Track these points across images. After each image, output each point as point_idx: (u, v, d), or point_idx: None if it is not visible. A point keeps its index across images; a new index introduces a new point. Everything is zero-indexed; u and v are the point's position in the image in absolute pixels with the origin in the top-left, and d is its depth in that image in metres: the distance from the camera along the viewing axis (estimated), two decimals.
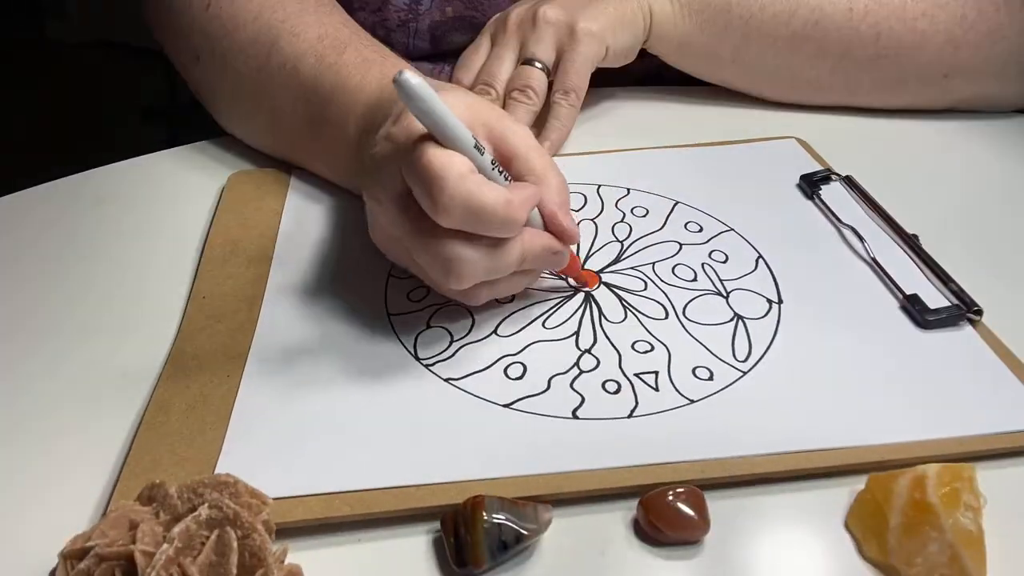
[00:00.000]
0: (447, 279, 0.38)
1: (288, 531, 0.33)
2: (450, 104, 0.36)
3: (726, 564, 0.33)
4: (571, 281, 0.46)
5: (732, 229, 0.50)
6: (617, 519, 0.34)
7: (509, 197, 0.37)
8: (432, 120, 0.36)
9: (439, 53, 0.65)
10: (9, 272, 0.48)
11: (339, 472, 0.35)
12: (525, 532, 0.32)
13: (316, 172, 0.54)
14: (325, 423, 0.37)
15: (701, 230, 0.50)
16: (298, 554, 0.32)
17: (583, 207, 0.52)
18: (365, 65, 0.49)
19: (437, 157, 0.36)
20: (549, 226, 0.41)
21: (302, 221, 0.50)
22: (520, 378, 0.40)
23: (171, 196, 0.54)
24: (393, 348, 0.41)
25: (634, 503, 0.34)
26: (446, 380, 0.40)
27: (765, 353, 0.41)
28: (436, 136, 0.36)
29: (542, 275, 0.45)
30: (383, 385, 0.39)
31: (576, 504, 0.34)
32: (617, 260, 0.48)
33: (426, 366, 0.40)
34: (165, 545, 0.28)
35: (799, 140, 0.58)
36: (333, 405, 0.38)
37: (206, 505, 0.29)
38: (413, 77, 0.34)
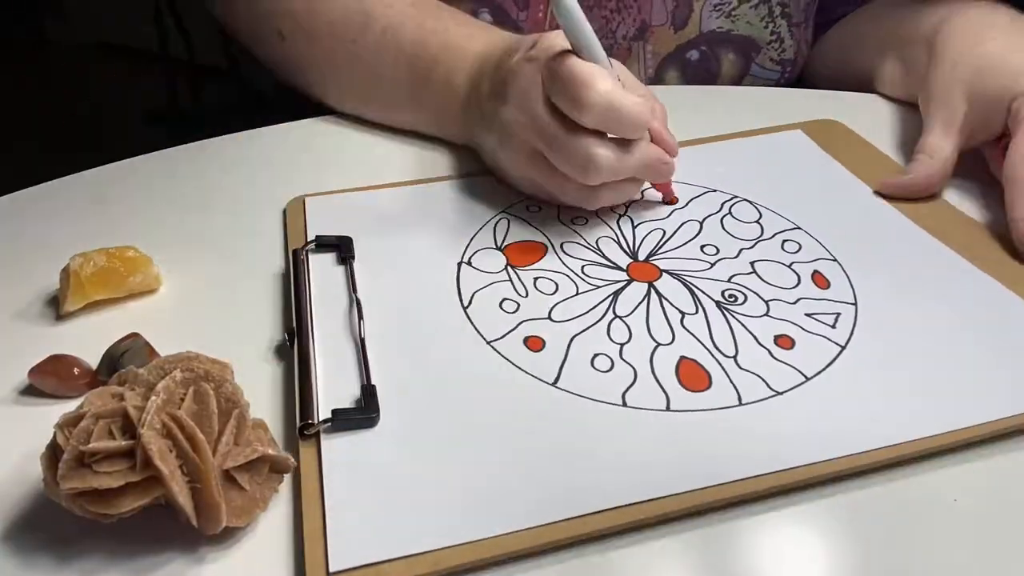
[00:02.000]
0: (585, 173, 0.44)
1: None
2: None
3: None
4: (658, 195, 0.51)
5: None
6: None
7: (642, 101, 0.44)
8: (579, 35, 0.43)
9: None
10: (9, 272, 0.46)
11: (452, 524, 0.32)
12: None
13: (417, 128, 0.58)
14: (429, 479, 0.34)
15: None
16: None
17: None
18: (467, 26, 0.55)
19: (581, 64, 0.43)
20: (656, 140, 0.47)
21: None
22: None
23: (171, 196, 0.53)
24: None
25: None
26: (554, 383, 0.39)
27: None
28: (579, 50, 0.44)
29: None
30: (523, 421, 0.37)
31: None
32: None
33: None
34: (153, 397, 0.32)
35: (804, 131, 0.58)
36: (428, 460, 0.35)
37: (178, 370, 0.33)
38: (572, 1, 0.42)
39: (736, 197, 0.51)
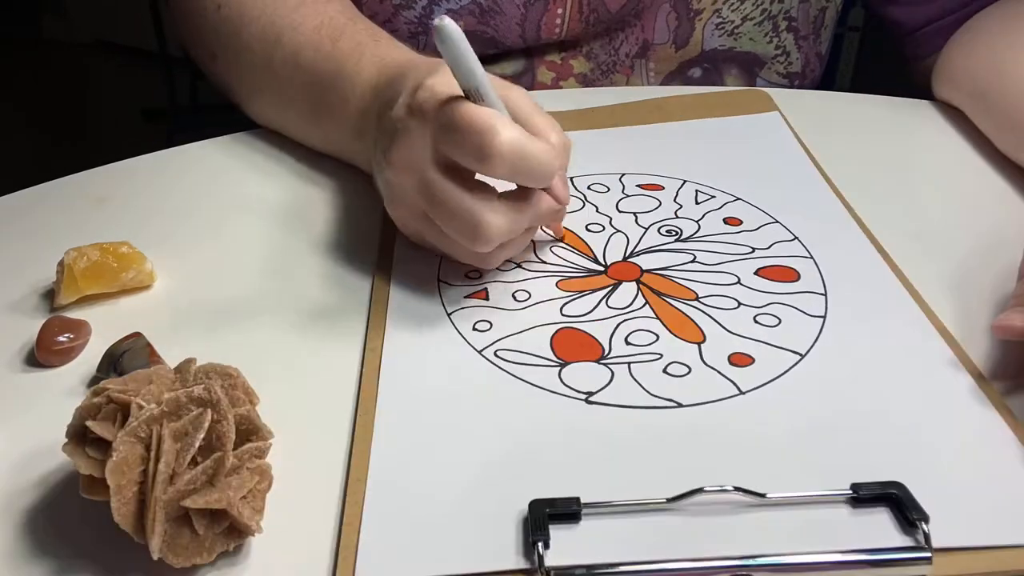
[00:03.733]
0: (475, 239, 0.41)
1: None
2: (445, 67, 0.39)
3: None
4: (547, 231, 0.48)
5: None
6: None
7: (549, 147, 0.40)
8: (464, 68, 0.38)
9: None
10: (7, 266, 0.47)
11: (477, 552, 0.32)
12: None
13: (325, 152, 0.56)
14: (455, 507, 0.34)
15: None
16: None
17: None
18: (359, 50, 0.51)
19: (479, 110, 0.38)
20: (549, 190, 0.43)
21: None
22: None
23: (171, 196, 0.54)
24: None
25: None
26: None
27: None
28: (467, 88, 0.39)
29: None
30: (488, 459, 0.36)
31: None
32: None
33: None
34: (154, 405, 0.32)
35: (782, 115, 0.59)
36: (458, 489, 0.34)
37: (202, 386, 0.32)
38: (450, 23, 0.36)
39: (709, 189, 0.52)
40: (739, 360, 0.40)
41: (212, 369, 0.35)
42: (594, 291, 0.44)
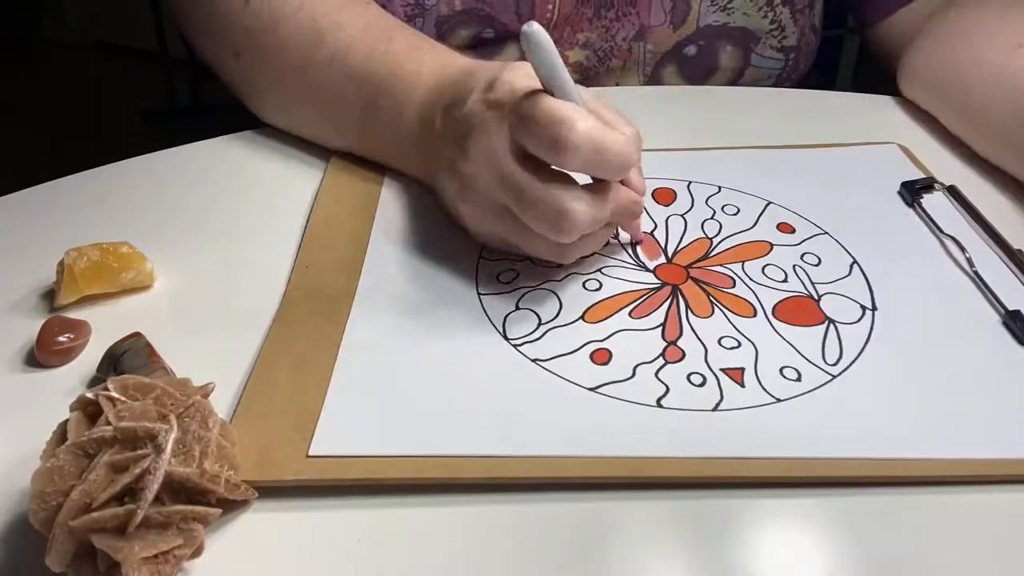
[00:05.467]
0: (559, 230, 0.40)
1: (363, 488, 0.34)
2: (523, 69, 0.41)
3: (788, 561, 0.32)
4: (638, 252, 0.48)
5: (826, 232, 0.49)
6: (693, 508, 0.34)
7: (626, 138, 0.40)
8: (549, 67, 0.39)
9: None
10: (7, 266, 0.47)
11: (431, 438, 0.36)
12: None
13: (367, 156, 0.54)
14: (417, 393, 0.38)
15: (794, 231, 0.49)
16: (362, 511, 0.34)
17: (673, 202, 0.52)
18: (417, 52, 0.51)
19: (557, 103, 0.39)
20: (625, 181, 0.44)
21: (399, 205, 0.51)
22: (606, 364, 0.40)
23: (172, 197, 0.54)
24: (483, 327, 0.42)
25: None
26: (534, 360, 0.40)
27: (857, 358, 0.40)
28: (550, 86, 0.39)
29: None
30: (473, 361, 0.40)
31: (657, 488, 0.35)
32: (706, 256, 0.47)
33: (514, 346, 0.41)
34: (109, 427, 0.31)
35: (901, 146, 0.57)
36: (425, 376, 0.39)
37: (167, 427, 0.31)
38: (539, 28, 0.37)
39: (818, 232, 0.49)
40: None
41: (199, 411, 0.33)
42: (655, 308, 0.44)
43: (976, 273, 0.45)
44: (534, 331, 0.42)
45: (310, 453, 0.35)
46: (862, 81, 1.23)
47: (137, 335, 0.41)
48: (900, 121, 0.62)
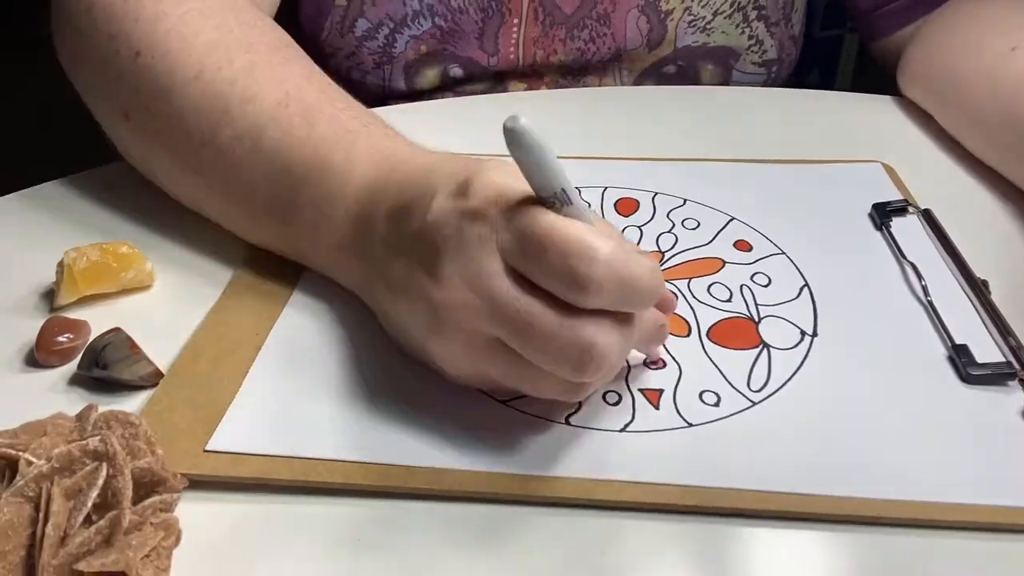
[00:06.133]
0: (581, 370, 0.32)
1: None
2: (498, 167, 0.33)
3: None
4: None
5: (784, 252, 0.47)
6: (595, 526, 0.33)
7: (653, 264, 0.32)
8: (545, 171, 0.30)
9: (413, 93, 0.65)
10: (7, 267, 0.47)
11: (323, 441, 0.36)
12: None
13: (272, 249, 0.46)
14: (324, 395, 0.38)
15: (751, 250, 0.48)
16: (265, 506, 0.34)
17: (634, 213, 0.51)
18: (349, 137, 0.42)
19: (571, 226, 0.31)
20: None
21: None
22: None
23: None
24: None
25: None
26: None
27: (783, 386, 0.39)
28: (544, 193, 0.31)
29: None
30: (388, 369, 0.39)
31: (549, 507, 0.34)
32: None
33: None
34: (43, 461, 0.30)
35: (885, 165, 0.55)
36: (336, 380, 0.39)
37: (97, 437, 0.31)
38: (527, 123, 0.29)
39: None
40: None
41: (112, 417, 0.33)
42: None
43: (930, 302, 0.43)
44: None
45: (207, 448, 0.35)
46: (862, 81, 1.23)
47: (117, 330, 0.41)
48: (900, 122, 0.62)
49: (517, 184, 0.32)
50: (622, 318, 0.33)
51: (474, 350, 0.34)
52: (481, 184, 0.33)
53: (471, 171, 0.34)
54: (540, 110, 0.61)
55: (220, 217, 0.47)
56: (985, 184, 0.54)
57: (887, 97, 0.64)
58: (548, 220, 0.31)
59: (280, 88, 0.44)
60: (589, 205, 0.37)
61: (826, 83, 0.82)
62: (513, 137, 0.29)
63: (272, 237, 0.45)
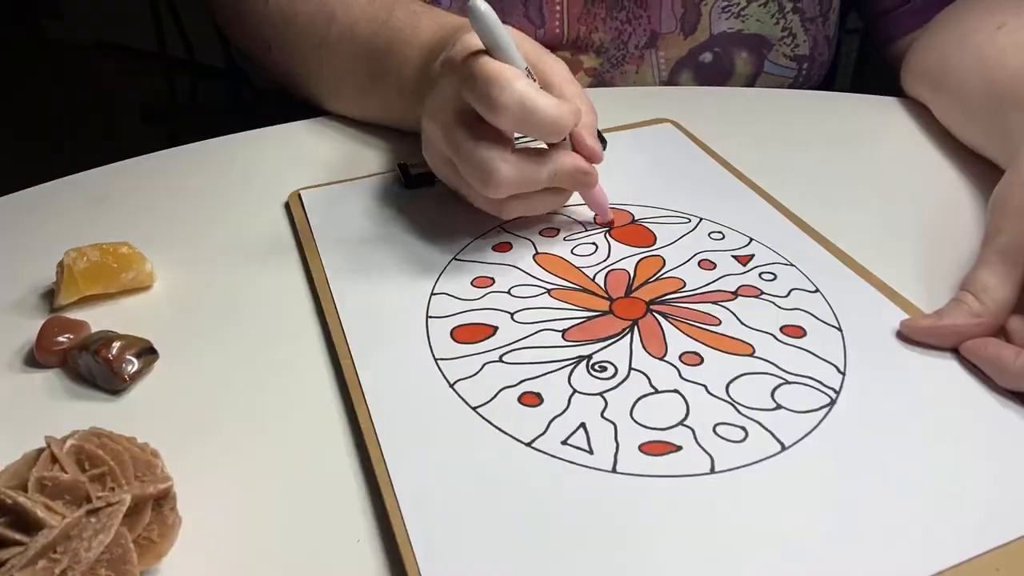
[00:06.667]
0: (485, 185, 0.43)
1: None
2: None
3: None
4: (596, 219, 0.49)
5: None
6: None
7: (559, 103, 0.42)
8: (492, 39, 0.41)
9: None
10: (7, 267, 0.47)
11: None
12: None
13: (382, 121, 0.59)
14: None
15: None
16: None
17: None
18: (415, 17, 0.54)
19: (494, 63, 0.41)
20: (576, 147, 0.45)
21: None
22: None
23: (171, 196, 0.54)
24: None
25: None
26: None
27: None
28: (493, 51, 0.42)
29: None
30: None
31: None
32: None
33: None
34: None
35: (673, 122, 0.59)
36: None
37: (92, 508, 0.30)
38: (483, 3, 0.41)
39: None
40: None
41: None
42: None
43: None
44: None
45: None
46: (862, 82, 1.23)
47: (104, 331, 0.41)
48: (900, 122, 0.62)
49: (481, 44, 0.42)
50: (531, 152, 0.44)
51: (439, 162, 0.47)
52: (459, 42, 0.44)
53: (461, 34, 0.45)
54: None
55: (343, 104, 0.60)
56: (984, 184, 0.54)
57: (887, 97, 0.64)
58: (482, 60, 0.41)
59: None
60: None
61: (826, 83, 0.82)
62: (472, 11, 0.41)
63: (375, 106, 0.58)
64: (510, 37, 0.42)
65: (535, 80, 0.44)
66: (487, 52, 0.42)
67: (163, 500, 0.32)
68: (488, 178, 0.42)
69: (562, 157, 0.44)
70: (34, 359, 0.41)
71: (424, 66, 0.51)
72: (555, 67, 0.46)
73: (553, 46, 0.66)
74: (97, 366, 0.39)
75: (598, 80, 0.68)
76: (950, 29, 0.61)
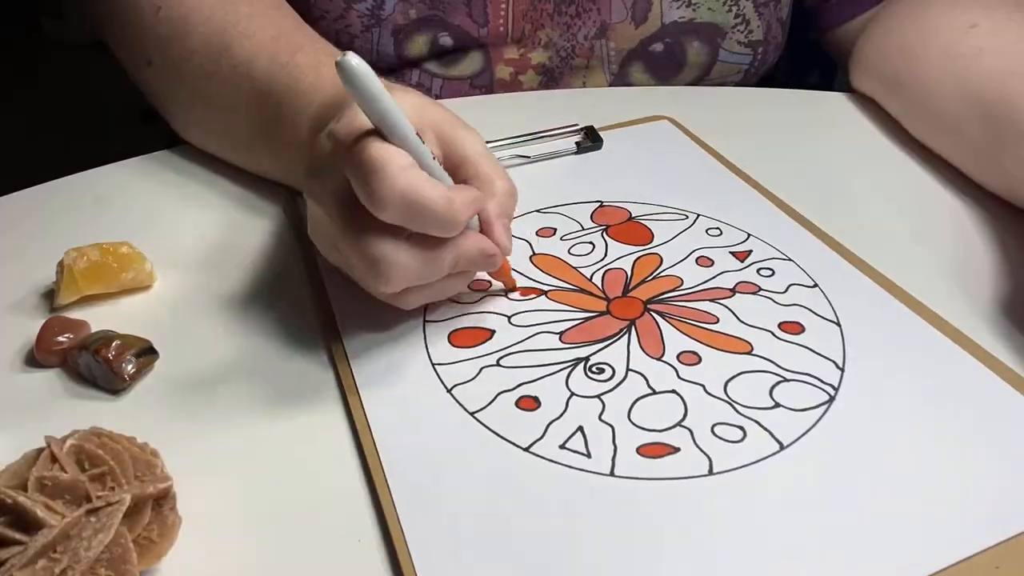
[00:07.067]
0: (376, 281, 0.38)
1: None
2: (398, 100, 0.35)
3: None
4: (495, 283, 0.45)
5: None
6: None
7: (451, 195, 0.36)
8: (372, 105, 0.35)
9: (403, 62, 0.65)
10: (7, 266, 0.47)
11: None
12: None
13: (268, 175, 0.53)
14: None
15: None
16: None
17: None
18: (320, 66, 0.48)
19: (378, 149, 0.35)
20: (486, 233, 0.40)
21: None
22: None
23: (171, 196, 0.54)
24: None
25: None
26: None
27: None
28: (378, 126, 0.35)
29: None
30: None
31: None
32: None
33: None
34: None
35: (671, 119, 0.59)
36: None
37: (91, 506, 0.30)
38: (356, 58, 0.33)
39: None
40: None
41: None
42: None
43: None
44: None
45: None
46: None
47: (104, 331, 0.41)
48: (900, 122, 0.62)
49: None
50: (426, 241, 0.37)
51: (331, 248, 0.41)
52: (348, 114, 0.37)
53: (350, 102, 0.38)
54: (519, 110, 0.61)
55: (217, 144, 0.55)
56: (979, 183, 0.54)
57: None
58: (364, 144, 0.35)
59: (274, 28, 0.52)
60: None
61: (826, 83, 0.82)
62: (340, 72, 0.33)
63: (261, 156, 0.52)
64: (392, 102, 0.35)
65: (435, 155, 0.38)
66: (373, 126, 0.36)
67: (163, 500, 0.32)
68: (379, 272, 0.37)
69: (464, 241, 0.39)
70: (34, 359, 0.41)
71: (320, 125, 0.43)
72: (468, 140, 0.41)
73: (497, 44, 0.65)
74: (97, 366, 0.39)
75: (547, 76, 0.67)
76: (908, 21, 0.60)
